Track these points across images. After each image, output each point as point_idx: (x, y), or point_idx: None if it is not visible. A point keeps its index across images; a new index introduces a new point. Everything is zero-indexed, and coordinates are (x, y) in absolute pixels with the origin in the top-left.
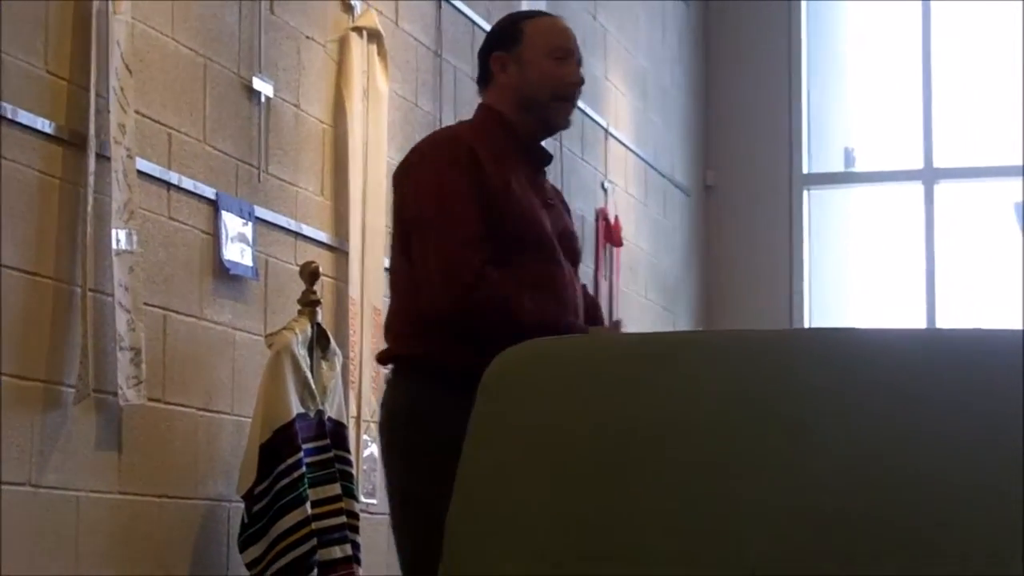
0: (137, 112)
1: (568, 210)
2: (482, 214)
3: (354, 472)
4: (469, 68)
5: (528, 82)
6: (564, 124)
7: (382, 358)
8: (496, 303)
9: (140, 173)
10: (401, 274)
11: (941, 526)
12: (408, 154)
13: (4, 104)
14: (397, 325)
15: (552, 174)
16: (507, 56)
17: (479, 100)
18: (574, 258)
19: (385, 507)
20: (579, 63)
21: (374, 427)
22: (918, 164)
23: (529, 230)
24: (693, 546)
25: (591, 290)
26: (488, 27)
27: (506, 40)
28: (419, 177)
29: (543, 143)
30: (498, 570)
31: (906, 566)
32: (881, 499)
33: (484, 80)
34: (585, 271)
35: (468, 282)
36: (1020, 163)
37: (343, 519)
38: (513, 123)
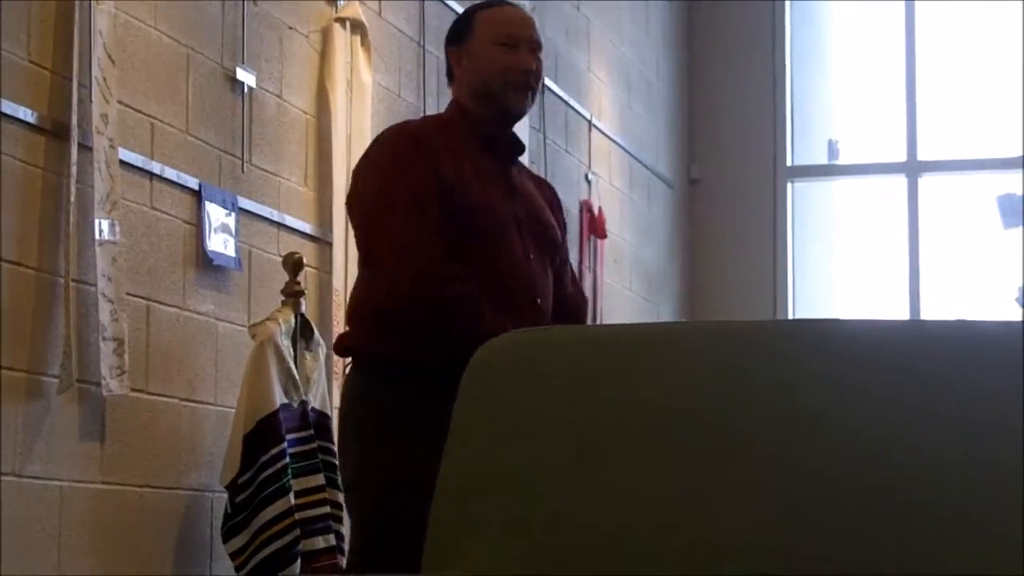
0: (120, 102)
1: (553, 202)
2: (436, 205)
3: (337, 462)
4: None
5: (479, 73)
6: (520, 110)
7: (338, 349)
8: (460, 303)
9: (123, 163)
10: (359, 267)
11: (924, 517)
12: (368, 146)
13: None
14: (353, 317)
15: (536, 165)
16: (460, 50)
17: None
18: (547, 248)
19: None
20: (535, 49)
21: None
22: (902, 157)
23: (481, 220)
24: (676, 536)
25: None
26: None
27: (459, 34)
28: (369, 173)
29: (517, 133)
30: (482, 560)
31: (889, 557)
32: (863, 490)
33: (449, 74)
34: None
35: (420, 278)
36: (1003, 156)
37: (327, 509)
38: (474, 115)
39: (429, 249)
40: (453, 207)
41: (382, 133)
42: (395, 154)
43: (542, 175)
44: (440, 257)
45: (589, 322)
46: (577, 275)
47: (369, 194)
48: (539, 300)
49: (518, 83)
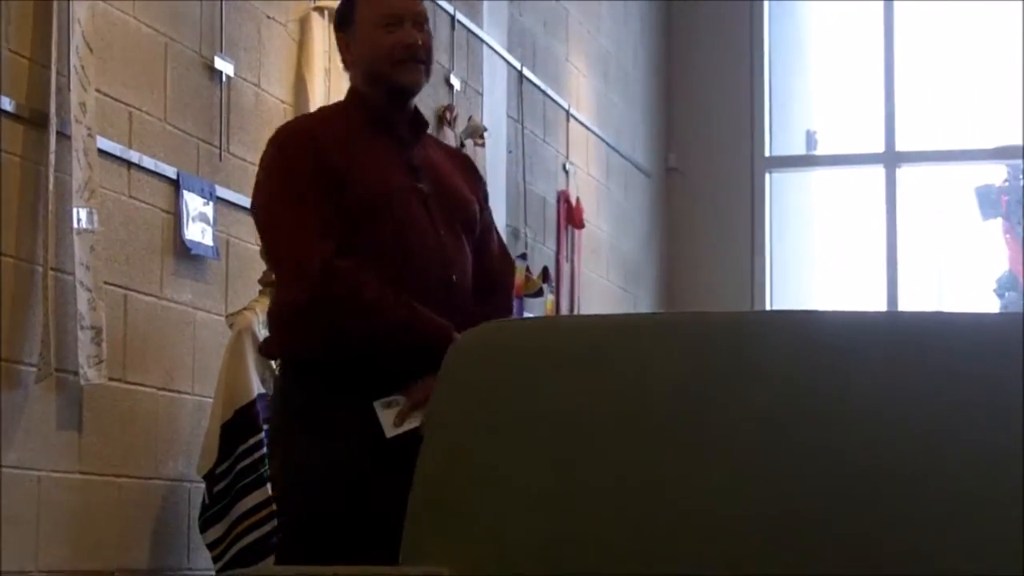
0: (98, 91)
1: (469, 172)
2: (327, 200)
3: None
4: None
5: (366, 58)
6: (414, 85)
7: (263, 351)
8: (348, 298)
9: (101, 152)
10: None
11: (901, 507)
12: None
13: None
14: (270, 320)
15: (514, 155)
16: (347, 36)
17: (432, 81)
18: (462, 222)
19: None
20: (421, 21)
21: None
22: (880, 148)
23: (379, 203)
24: (655, 527)
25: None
26: (450, 8)
27: (343, 20)
28: (262, 175)
29: (418, 109)
30: (459, 552)
31: (865, 547)
32: (840, 480)
33: (344, 64)
34: (547, 252)
35: (316, 278)
36: (982, 147)
37: None
38: (370, 98)
39: (319, 251)
40: (348, 196)
41: (274, 133)
42: (282, 156)
43: (520, 165)
44: (328, 258)
45: (566, 312)
46: (503, 240)
47: (261, 200)
48: (454, 277)
49: (405, 59)
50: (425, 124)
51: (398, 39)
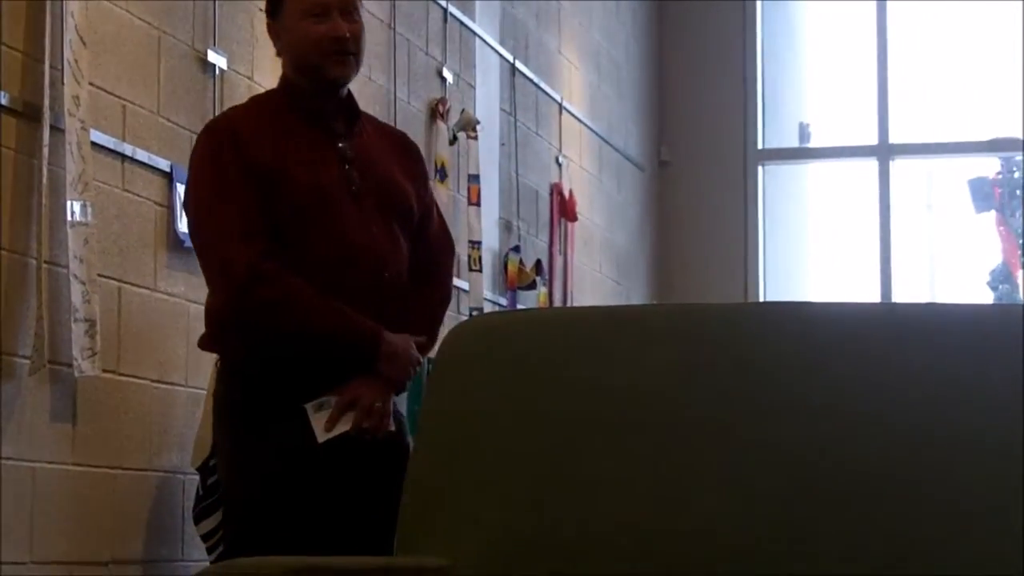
0: (91, 84)
1: (407, 155)
2: (253, 198)
3: None
4: (423, 42)
5: (293, 48)
6: (342, 78)
7: (199, 343)
8: (273, 303)
9: (94, 145)
10: None
11: (894, 499)
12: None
13: None
14: (206, 315)
15: (506, 147)
16: (275, 24)
17: (424, 74)
18: (397, 213)
19: None
20: (349, 10)
21: None
22: (873, 140)
23: (306, 199)
24: (649, 522)
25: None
26: (443, 1)
27: (273, 8)
28: (190, 175)
29: (351, 97)
30: (452, 549)
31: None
32: (834, 473)
33: (276, 49)
34: (540, 245)
35: (240, 281)
36: (975, 140)
37: None
38: (299, 88)
39: (244, 253)
40: (278, 195)
41: (203, 127)
42: (206, 154)
43: (513, 158)
44: (254, 261)
45: (559, 304)
46: (444, 219)
47: (189, 198)
48: (386, 274)
49: (334, 51)
50: (356, 114)
51: (326, 31)
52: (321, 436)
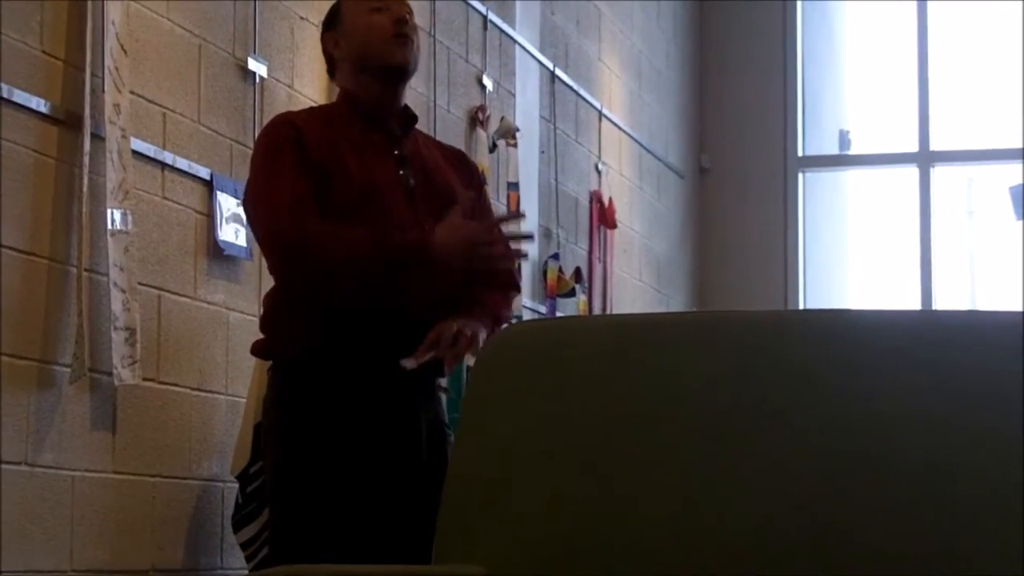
0: (132, 92)
1: (464, 169)
2: (306, 184)
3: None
4: (463, 50)
5: (357, 44)
6: (403, 62)
7: (253, 352)
8: (318, 245)
9: (135, 153)
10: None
11: (932, 510)
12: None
13: (0, 84)
14: (262, 322)
15: (546, 155)
16: (336, 33)
17: (464, 82)
18: (447, 208)
19: None
20: (402, 4)
21: None
22: (914, 147)
23: (361, 196)
24: (690, 525)
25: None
26: (483, 9)
27: (331, 21)
28: (251, 167)
29: (407, 105)
30: (493, 550)
31: (897, 550)
32: (873, 483)
33: (330, 65)
34: (579, 253)
35: (290, 242)
36: (1016, 147)
37: None
38: (360, 95)
39: (292, 222)
40: (331, 191)
41: (264, 126)
42: (266, 145)
43: (552, 165)
44: (298, 227)
45: (598, 312)
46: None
47: (253, 178)
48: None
49: (395, 34)
50: (414, 119)
51: (387, 16)
52: (407, 363)
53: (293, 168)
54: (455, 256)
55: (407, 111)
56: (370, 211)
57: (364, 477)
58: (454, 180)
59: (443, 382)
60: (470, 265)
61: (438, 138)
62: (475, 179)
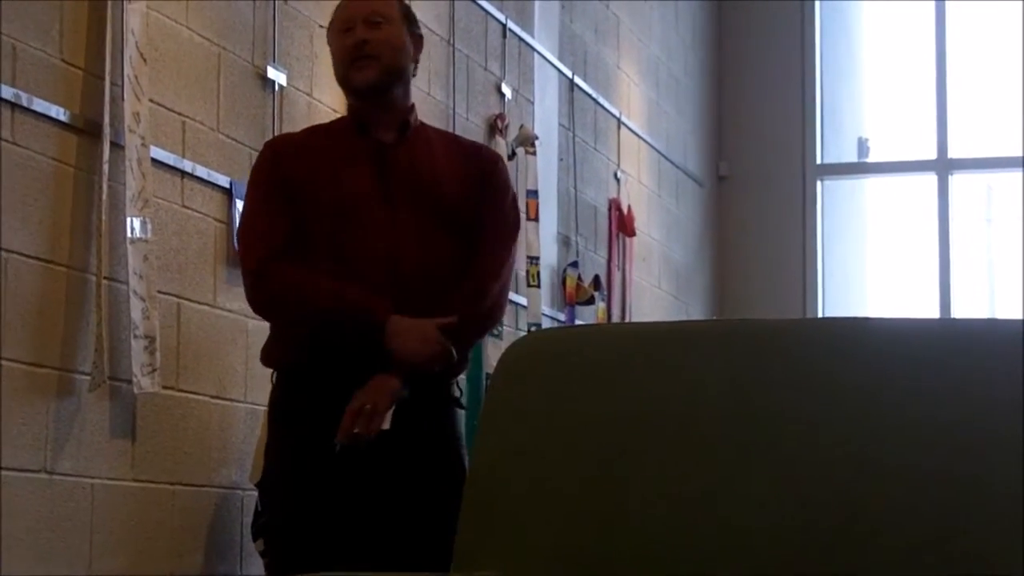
0: (151, 101)
1: (471, 169)
2: (280, 209)
3: None
4: (482, 58)
5: (333, 63)
6: (360, 80)
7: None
8: (276, 298)
9: (154, 161)
10: None
11: (952, 520)
12: None
13: (19, 92)
14: None
15: (564, 162)
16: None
17: (483, 90)
18: (439, 217)
19: None
20: (374, 21)
21: None
22: (932, 155)
23: (331, 207)
24: (701, 534)
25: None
26: (501, 17)
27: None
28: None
29: (407, 107)
30: (510, 564)
31: (917, 557)
32: (892, 491)
33: None
34: (598, 261)
35: (251, 269)
36: None
37: None
38: (352, 107)
39: (256, 255)
40: (306, 204)
41: None
42: (251, 179)
43: (571, 173)
44: (260, 261)
45: (617, 320)
46: (506, 228)
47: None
48: (407, 274)
49: (352, 60)
50: (406, 126)
51: (348, 40)
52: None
53: (268, 202)
54: (407, 343)
55: (404, 115)
56: (342, 223)
57: (344, 481)
58: (449, 180)
59: (458, 390)
60: (415, 357)
61: None
62: (484, 175)
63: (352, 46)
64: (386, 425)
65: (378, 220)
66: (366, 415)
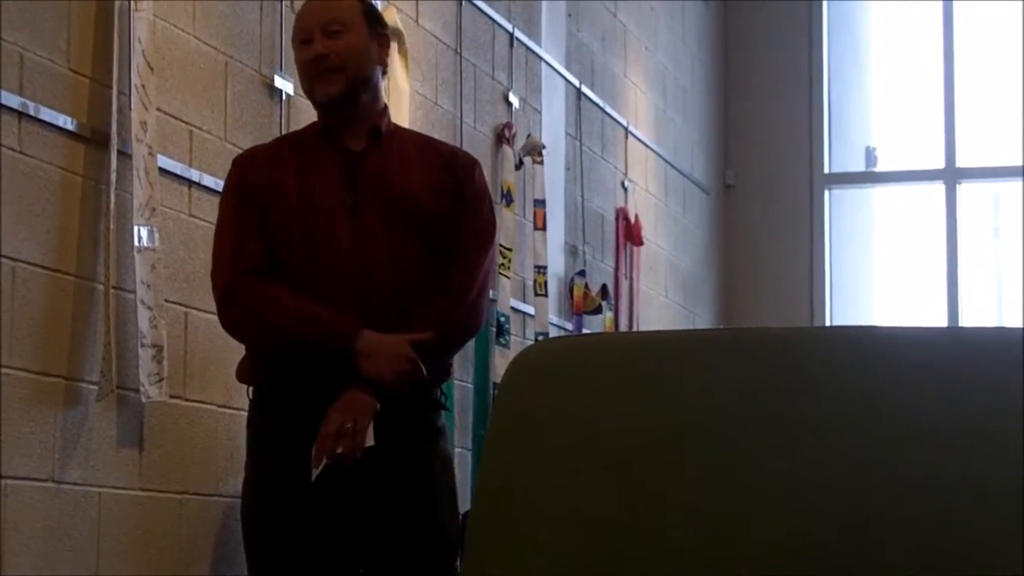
0: (159, 110)
1: (446, 175)
2: (247, 223)
3: None
4: (489, 67)
5: (299, 77)
6: (324, 94)
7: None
8: (243, 321)
9: (161, 170)
10: None
11: (962, 528)
12: None
13: (27, 101)
14: None
15: (572, 172)
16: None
17: (490, 99)
18: (407, 226)
19: None
20: (333, 30)
21: None
22: (940, 164)
23: (294, 218)
24: (709, 546)
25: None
26: (509, 26)
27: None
28: None
29: (380, 113)
30: (518, 565)
31: (927, 565)
32: (902, 502)
33: None
34: (606, 270)
35: (219, 301)
36: None
37: None
38: (321, 115)
39: (224, 274)
40: (271, 216)
41: None
42: (223, 195)
43: (578, 182)
44: (229, 281)
45: (625, 328)
46: (481, 232)
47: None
48: (374, 284)
49: (314, 74)
50: (377, 132)
51: (307, 55)
52: (313, 474)
53: (236, 218)
54: (377, 363)
55: (374, 122)
56: (310, 234)
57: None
58: (421, 188)
59: (443, 395)
60: (385, 377)
61: None
62: (460, 183)
63: (311, 61)
64: (370, 441)
65: (346, 231)
66: (348, 434)
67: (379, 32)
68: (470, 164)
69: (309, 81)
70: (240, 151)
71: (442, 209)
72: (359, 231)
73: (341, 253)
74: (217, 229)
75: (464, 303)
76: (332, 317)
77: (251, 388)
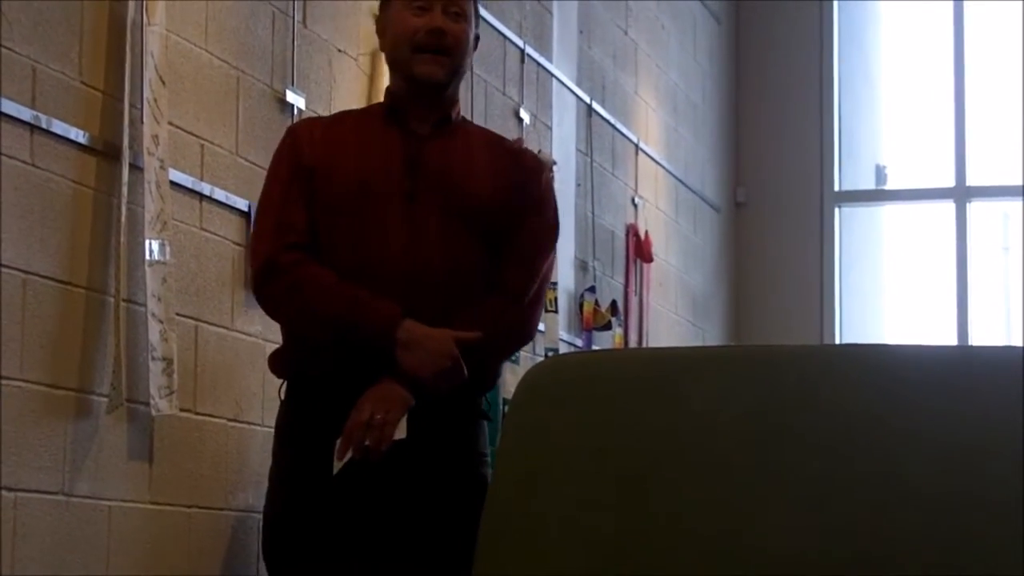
0: (170, 123)
1: (511, 173)
2: (295, 195)
3: None
4: (500, 83)
5: (391, 41)
6: (428, 76)
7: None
8: (281, 296)
9: (173, 184)
10: None
11: (973, 543)
12: None
13: (39, 114)
14: None
15: (582, 188)
16: (383, 17)
17: (501, 115)
18: (464, 215)
19: None
20: (455, 12)
21: None
22: (950, 182)
23: (345, 199)
24: (718, 562)
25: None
26: (520, 42)
27: (384, 2)
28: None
29: (449, 101)
30: (526, 573)
31: None
32: (911, 519)
33: (381, 46)
34: (616, 286)
35: (257, 274)
36: None
37: None
38: (391, 89)
39: (267, 246)
40: (317, 189)
41: None
42: (272, 164)
43: (588, 198)
44: (271, 254)
45: (634, 345)
46: (541, 243)
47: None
48: (421, 271)
49: (424, 45)
50: (447, 119)
51: (422, 23)
52: (335, 467)
53: (284, 192)
54: (416, 356)
55: (445, 108)
56: (361, 217)
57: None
58: (482, 179)
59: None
60: (423, 371)
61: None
62: (524, 182)
63: (428, 32)
64: (401, 434)
65: (400, 217)
66: (376, 426)
67: (476, 34)
68: (538, 165)
69: (413, 51)
70: (251, 165)
71: (504, 205)
72: (413, 218)
73: (391, 240)
74: (261, 199)
75: (519, 306)
76: (374, 302)
77: (282, 388)
